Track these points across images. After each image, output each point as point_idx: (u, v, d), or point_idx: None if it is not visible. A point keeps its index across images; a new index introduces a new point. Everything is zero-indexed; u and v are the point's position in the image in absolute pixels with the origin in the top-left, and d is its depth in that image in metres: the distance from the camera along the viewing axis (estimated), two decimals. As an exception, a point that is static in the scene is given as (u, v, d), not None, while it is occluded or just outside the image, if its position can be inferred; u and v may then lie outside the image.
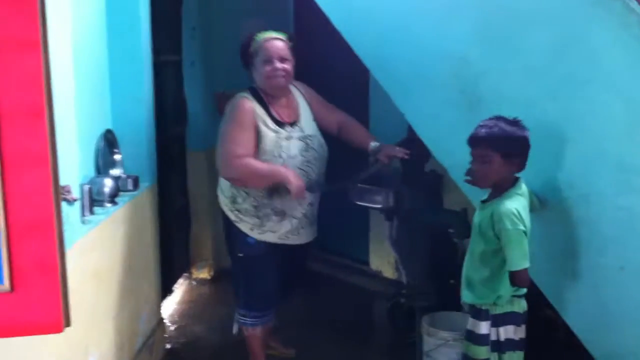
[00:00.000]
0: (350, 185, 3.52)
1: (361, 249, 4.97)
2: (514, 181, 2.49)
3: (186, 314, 4.33)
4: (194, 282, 4.88)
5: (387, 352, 3.90)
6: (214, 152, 4.85)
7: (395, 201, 3.69)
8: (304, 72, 3.39)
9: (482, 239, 2.49)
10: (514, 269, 2.40)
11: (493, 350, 2.53)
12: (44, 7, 1.33)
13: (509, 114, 2.55)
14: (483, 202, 2.56)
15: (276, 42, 3.14)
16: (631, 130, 2.34)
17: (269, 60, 3.10)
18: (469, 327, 2.59)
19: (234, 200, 3.19)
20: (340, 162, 3.37)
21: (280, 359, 3.67)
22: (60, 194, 1.43)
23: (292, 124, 3.17)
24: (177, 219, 4.62)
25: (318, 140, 3.23)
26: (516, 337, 2.53)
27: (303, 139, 3.17)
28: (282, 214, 3.15)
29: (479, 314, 2.55)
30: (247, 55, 3.18)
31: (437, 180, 3.53)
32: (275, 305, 3.37)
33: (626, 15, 2.28)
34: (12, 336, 1.51)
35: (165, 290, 4.01)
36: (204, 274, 4.94)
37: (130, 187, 3.11)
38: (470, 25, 2.80)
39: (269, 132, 3.08)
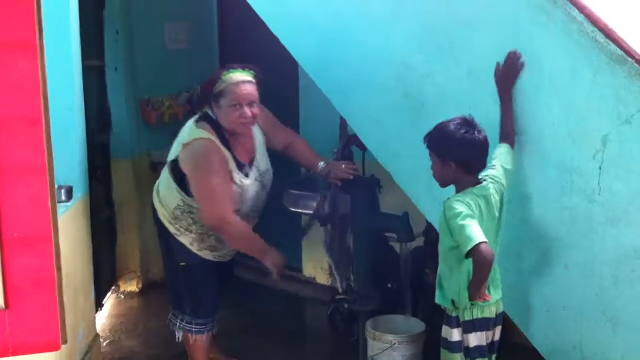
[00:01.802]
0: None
1: (294, 256, 4.93)
2: (475, 184, 2.46)
3: (118, 328, 4.17)
4: (122, 296, 4.71)
5: (331, 357, 3.90)
6: (140, 160, 4.79)
7: (330, 207, 3.68)
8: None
9: (442, 237, 2.47)
10: (470, 246, 2.24)
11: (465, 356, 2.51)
12: (41, 10, 1.24)
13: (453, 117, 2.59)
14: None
15: (246, 86, 3.02)
16: (572, 133, 2.43)
17: (238, 105, 2.99)
18: (443, 334, 2.56)
19: (175, 219, 3.13)
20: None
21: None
22: (56, 206, 1.33)
23: (251, 163, 3.15)
24: (103, 230, 4.46)
25: (269, 175, 3.24)
26: (484, 343, 2.52)
27: (259, 177, 3.17)
28: (223, 242, 3.17)
29: (450, 321, 2.52)
30: (211, 92, 3.05)
31: (375, 184, 3.54)
32: (218, 311, 3.34)
33: (567, 22, 2.37)
34: (7, 356, 1.39)
35: (96, 305, 3.85)
36: (132, 286, 4.78)
37: (64, 198, 2.97)
38: (413, 29, 2.84)
39: (236, 181, 3.06)
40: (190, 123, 3.13)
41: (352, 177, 3.22)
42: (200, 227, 3.11)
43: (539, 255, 2.59)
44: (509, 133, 2.57)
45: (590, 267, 2.43)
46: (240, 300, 4.15)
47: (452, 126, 2.44)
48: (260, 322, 4.26)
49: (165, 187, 3.19)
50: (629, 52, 2.27)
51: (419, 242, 3.49)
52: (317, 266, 4.80)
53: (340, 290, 3.89)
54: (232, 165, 3.05)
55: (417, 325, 3.26)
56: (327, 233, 3.81)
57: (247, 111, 3.00)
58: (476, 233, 2.26)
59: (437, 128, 2.48)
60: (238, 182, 3.05)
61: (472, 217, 2.32)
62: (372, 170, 3.39)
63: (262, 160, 3.21)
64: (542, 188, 2.54)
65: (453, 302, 2.49)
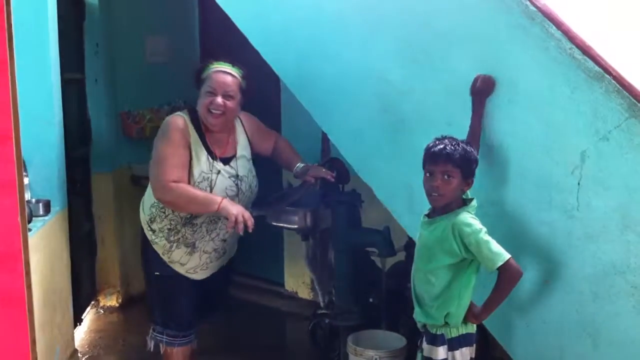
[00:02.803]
0: (280, 208, 3.47)
1: (275, 270, 4.92)
2: (464, 201, 2.46)
3: (97, 344, 4.13)
4: (101, 310, 4.67)
5: (311, 373, 3.87)
6: (120, 173, 4.76)
7: (312, 221, 3.67)
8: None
9: (435, 254, 2.44)
10: (501, 261, 2.29)
11: None
12: (11, 25, 1.22)
13: (432, 133, 2.58)
14: (429, 217, 2.52)
15: (225, 76, 2.99)
16: (550, 149, 2.44)
17: (212, 92, 2.96)
18: (425, 354, 2.51)
19: (151, 220, 3.08)
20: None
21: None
22: (26, 222, 1.31)
23: (225, 160, 3.07)
24: (82, 244, 4.43)
25: (248, 181, 3.14)
26: (468, 359, 2.51)
27: (233, 177, 3.07)
28: (192, 246, 3.08)
29: (435, 339, 2.48)
30: (199, 79, 3.04)
31: (356, 199, 3.54)
32: (193, 326, 3.24)
33: (545, 39, 2.39)
34: (-25, 375, 1.36)
35: (75, 320, 3.80)
36: (112, 301, 4.74)
37: (41, 212, 2.95)
38: (392, 44, 2.85)
39: (199, 163, 2.98)
40: None
41: (329, 177, 3.17)
42: (171, 222, 3.04)
43: (519, 271, 2.59)
44: (473, 145, 2.57)
45: (570, 282, 2.43)
46: (224, 316, 4.10)
47: (469, 145, 2.44)
48: (241, 338, 4.24)
49: (148, 188, 3.13)
50: (606, 69, 2.28)
51: (400, 256, 3.49)
52: (298, 281, 4.79)
53: (322, 305, 3.88)
54: (199, 146, 2.98)
55: (398, 340, 3.24)
56: (309, 247, 3.81)
57: (219, 99, 2.95)
58: (501, 248, 2.33)
59: (462, 148, 2.41)
60: (203, 162, 2.98)
61: (487, 232, 2.36)
62: (353, 184, 3.39)
63: (242, 166, 3.12)
64: (520, 204, 2.54)
65: (446, 319, 2.45)
